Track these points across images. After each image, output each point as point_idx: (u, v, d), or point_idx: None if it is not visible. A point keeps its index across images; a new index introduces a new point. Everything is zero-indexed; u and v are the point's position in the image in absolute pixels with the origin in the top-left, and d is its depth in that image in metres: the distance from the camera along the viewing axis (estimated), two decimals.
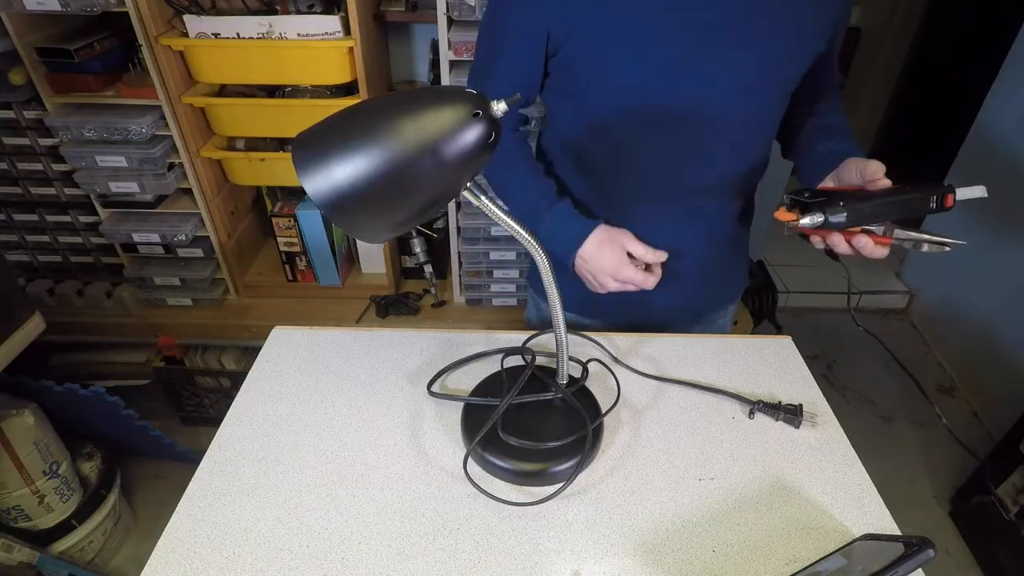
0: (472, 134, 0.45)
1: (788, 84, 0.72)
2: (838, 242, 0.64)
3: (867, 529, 0.54)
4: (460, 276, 1.61)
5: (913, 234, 0.63)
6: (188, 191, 1.46)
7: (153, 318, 1.62)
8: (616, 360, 0.73)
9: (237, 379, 1.40)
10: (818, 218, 0.61)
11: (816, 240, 0.66)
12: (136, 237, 1.49)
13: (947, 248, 0.62)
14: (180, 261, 1.57)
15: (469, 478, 0.57)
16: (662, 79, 0.67)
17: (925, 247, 0.63)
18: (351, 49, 1.29)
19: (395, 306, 1.64)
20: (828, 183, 0.69)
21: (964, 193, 0.62)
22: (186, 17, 1.23)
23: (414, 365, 0.72)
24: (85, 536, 1.38)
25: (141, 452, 1.66)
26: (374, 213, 0.48)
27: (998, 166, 1.90)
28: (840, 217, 0.61)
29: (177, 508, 0.56)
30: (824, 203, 0.61)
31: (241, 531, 0.54)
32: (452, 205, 1.46)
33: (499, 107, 0.45)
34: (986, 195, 0.62)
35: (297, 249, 1.60)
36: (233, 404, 0.66)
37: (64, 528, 1.34)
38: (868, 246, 0.63)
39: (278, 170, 1.47)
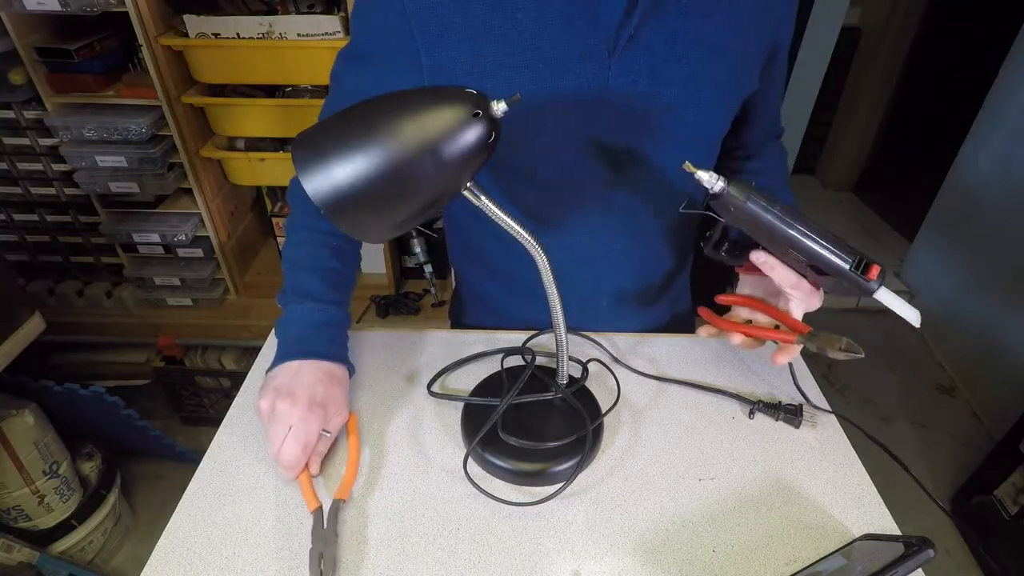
0: (472, 134, 0.45)
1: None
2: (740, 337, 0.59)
3: (867, 529, 0.54)
4: None
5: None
6: (188, 191, 1.46)
7: (153, 318, 1.62)
8: (616, 360, 0.73)
9: (237, 379, 1.40)
10: (717, 181, 0.51)
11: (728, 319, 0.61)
12: (136, 237, 1.49)
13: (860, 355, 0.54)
14: (180, 261, 1.57)
15: (469, 478, 0.57)
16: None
17: (840, 355, 0.54)
18: None
19: (395, 306, 1.64)
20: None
21: (890, 298, 0.54)
22: (186, 17, 1.23)
23: (414, 365, 0.72)
24: (85, 536, 1.38)
25: (141, 452, 1.66)
26: (374, 213, 0.48)
27: (999, 166, 1.90)
28: (745, 197, 0.50)
29: (177, 508, 0.56)
30: (733, 178, 0.51)
31: (241, 531, 0.54)
32: None
33: (499, 107, 0.45)
34: (917, 325, 0.55)
35: None
36: (233, 404, 0.66)
37: (64, 528, 1.34)
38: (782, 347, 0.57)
39: (278, 170, 1.47)
